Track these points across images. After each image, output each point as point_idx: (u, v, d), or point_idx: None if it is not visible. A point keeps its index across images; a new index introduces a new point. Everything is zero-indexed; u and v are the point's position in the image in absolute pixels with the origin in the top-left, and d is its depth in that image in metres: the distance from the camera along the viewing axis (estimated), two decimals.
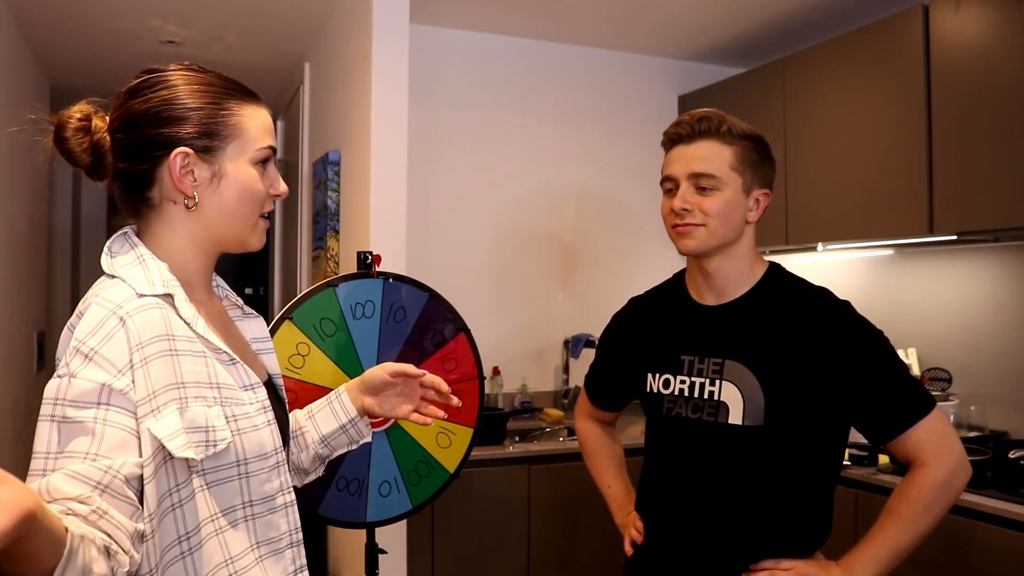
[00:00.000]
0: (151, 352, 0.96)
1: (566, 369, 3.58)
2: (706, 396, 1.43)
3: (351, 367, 1.91)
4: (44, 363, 4.05)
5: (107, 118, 1.06)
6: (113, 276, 1.02)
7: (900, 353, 2.93)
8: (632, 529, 1.58)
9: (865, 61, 2.80)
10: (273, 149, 1.11)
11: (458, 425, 2.08)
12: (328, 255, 3.16)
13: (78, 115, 1.05)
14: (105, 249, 1.06)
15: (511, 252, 3.55)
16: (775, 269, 1.50)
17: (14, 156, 3.26)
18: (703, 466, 1.43)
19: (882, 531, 1.36)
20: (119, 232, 1.09)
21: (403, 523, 2.56)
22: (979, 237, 2.60)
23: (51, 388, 0.91)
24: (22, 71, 3.43)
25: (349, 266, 2.83)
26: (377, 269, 2.01)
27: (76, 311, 1.00)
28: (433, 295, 2.07)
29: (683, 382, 1.46)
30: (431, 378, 1.30)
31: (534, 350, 3.57)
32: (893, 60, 2.68)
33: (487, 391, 2.86)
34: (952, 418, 2.67)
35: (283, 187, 1.13)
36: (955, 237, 2.57)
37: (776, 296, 1.45)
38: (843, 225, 2.89)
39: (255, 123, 1.09)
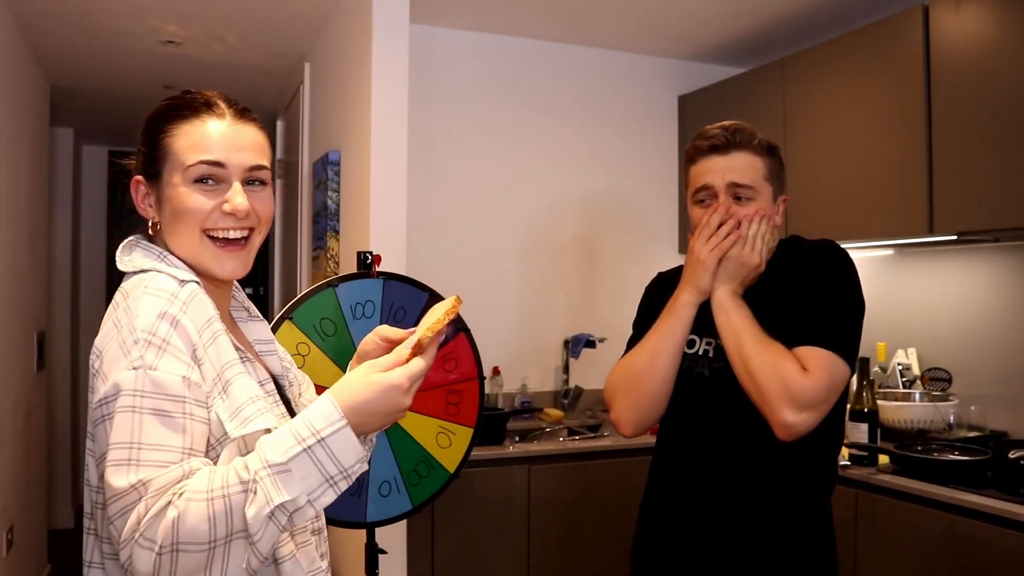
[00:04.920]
0: (207, 337, 1.01)
1: (566, 369, 3.58)
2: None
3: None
4: (44, 363, 4.04)
5: None
6: (145, 271, 1.06)
7: (900, 353, 2.94)
8: None
9: (865, 61, 2.80)
10: (213, 163, 1.07)
11: (458, 425, 2.08)
12: (328, 255, 3.16)
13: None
14: (119, 255, 1.11)
15: (511, 252, 3.55)
16: (783, 240, 1.59)
17: (15, 156, 3.26)
18: (720, 418, 1.47)
19: (755, 322, 1.40)
20: (126, 241, 1.13)
21: (403, 523, 2.56)
22: (979, 237, 2.60)
23: (126, 380, 0.93)
24: (22, 71, 3.43)
25: (349, 266, 2.83)
26: (377, 269, 2.01)
27: (115, 303, 1.04)
28: (433, 295, 2.07)
29: (708, 343, 1.51)
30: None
31: (534, 350, 3.57)
32: (893, 60, 2.68)
33: (487, 391, 2.86)
34: (952, 418, 2.67)
35: (234, 203, 1.08)
36: (955, 237, 2.57)
37: (788, 254, 1.53)
38: (843, 225, 2.89)
39: (183, 141, 1.07)
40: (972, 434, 2.63)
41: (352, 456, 0.96)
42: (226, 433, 1.00)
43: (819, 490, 1.48)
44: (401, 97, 2.71)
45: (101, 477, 0.96)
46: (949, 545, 2.14)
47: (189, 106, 1.10)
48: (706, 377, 1.50)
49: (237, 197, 1.08)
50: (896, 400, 2.74)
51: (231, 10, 3.18)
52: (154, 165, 1.09)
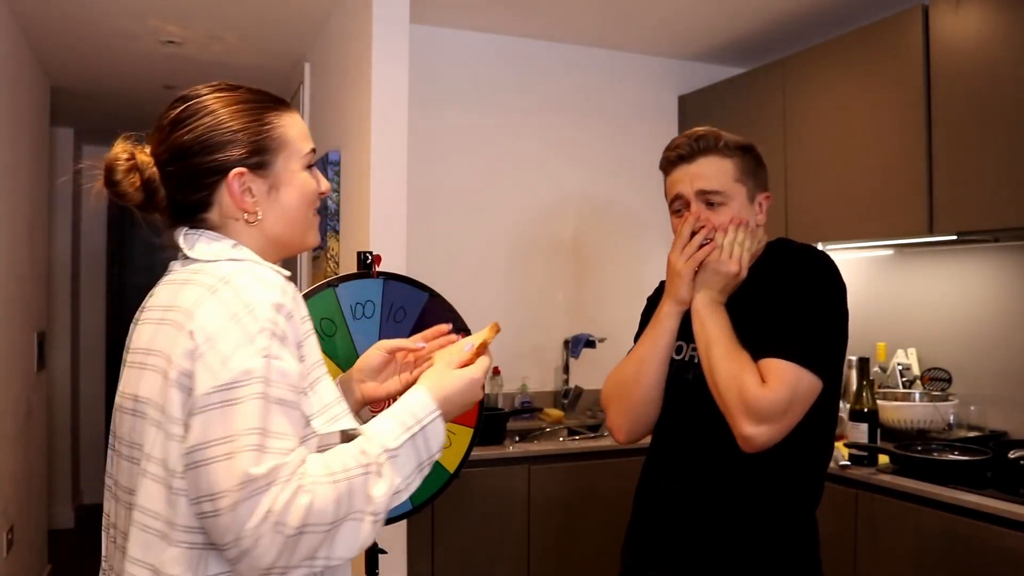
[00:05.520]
0: (304, 332, 1.03)
1: (566, 369, 3.58)
2: None
3: (351, 367, 1.91)
4: (44, 363, 4.05)
5: (148, 152, 1.09)
6: (235, 260, 1.05)
7: (900, 353, 2.94)
8: None
9: (865, 61, 2.80)
10: (314, 151, 1.16)
11: (458, 425, 2.08)
12: (328, 255, 3.16)
13: (124, 156, 1.08)
14: (184, 243, 1.08)
15: (511, 252, 3.55)
16: (771, 242, 1.58)
17: (16, 156, 3.26)
18: (702, 423, 1.46)
19: (728, 332, 1.41)
20: (188, 231, 1.09)
21: (403, 523, 2.56)
22: (979, 237, 2.61)
23: (259, 367, 0.94)
24: (22, 71, 3.43)
25: (349, 266, 2.83)
26: (377, 269, 2.01)
27: (211, 287, 0.99)
28: (433, 295, 2.07)
29: (694, 349, 1.51)
30: (431, 346, 1.30)
31: (534, 350, 3.57)
32: (893, 60, 2.68)
33: (487, 391, 2.86)
34: (952, 418, 2.67)
35: (326, 184, 1.18)
36: (955, 237, 2.57)
37: (773, 259, 1.52)
38: (843, 225, 2.89)
39: (296, 131, 1.13)
40: (972, 434, 2.63)
41: (439, 443, 1.06)
42: (308, 427, 1.02)
43: (800, 502, 1.46)
44: (401, 97, 2.71)
45: (193, 465, 0.92)
46: (949, 545, 2.14)
47: (276, 100, 1.15)
48: (690, 382, 1.50)
49: (324, 179, 1.18)
50: (896, 400, 2.74)
51: (231, 10, 3.18)
52: (264, 155, 1.09)
